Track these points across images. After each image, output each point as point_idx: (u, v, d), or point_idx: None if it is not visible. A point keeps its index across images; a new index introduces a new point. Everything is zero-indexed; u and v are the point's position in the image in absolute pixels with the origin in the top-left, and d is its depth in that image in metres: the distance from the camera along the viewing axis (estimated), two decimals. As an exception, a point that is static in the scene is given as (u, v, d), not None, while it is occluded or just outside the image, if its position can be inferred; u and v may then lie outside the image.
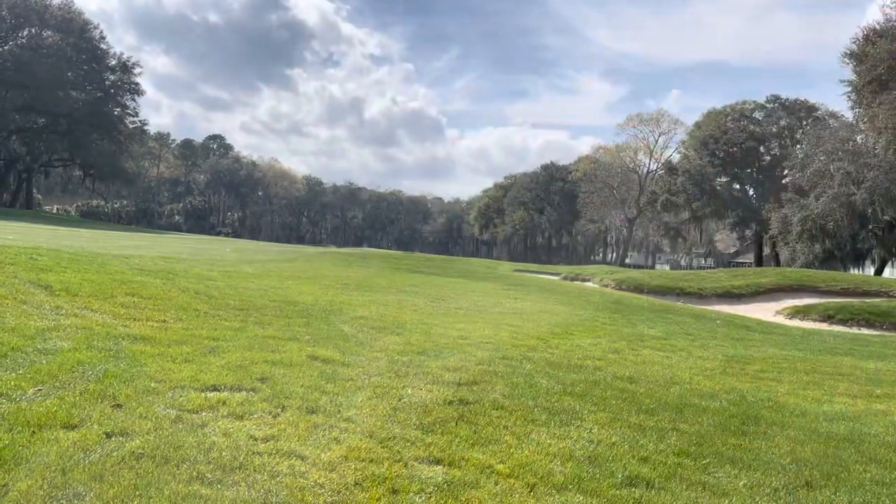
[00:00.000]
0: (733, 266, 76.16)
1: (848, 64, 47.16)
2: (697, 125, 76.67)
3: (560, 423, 5.80)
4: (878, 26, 45.32)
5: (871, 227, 45.28)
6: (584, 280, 31.35)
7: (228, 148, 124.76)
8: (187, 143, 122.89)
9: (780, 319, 20.97)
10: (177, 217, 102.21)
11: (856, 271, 49.35)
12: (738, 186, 73.36)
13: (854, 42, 46.53)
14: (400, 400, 5.95)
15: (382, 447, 4.74)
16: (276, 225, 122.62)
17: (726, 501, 4.47)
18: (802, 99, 69.94)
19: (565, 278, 31.97)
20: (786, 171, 63.22)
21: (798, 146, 64.08)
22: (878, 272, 49.09)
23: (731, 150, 68.23)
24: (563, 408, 6.28)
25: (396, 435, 5.02)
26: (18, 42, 71.32)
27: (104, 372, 5.71)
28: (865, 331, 19.26)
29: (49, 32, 72.14)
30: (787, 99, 70.38)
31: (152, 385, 5.56)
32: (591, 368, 8.42)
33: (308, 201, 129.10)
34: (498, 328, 11.24)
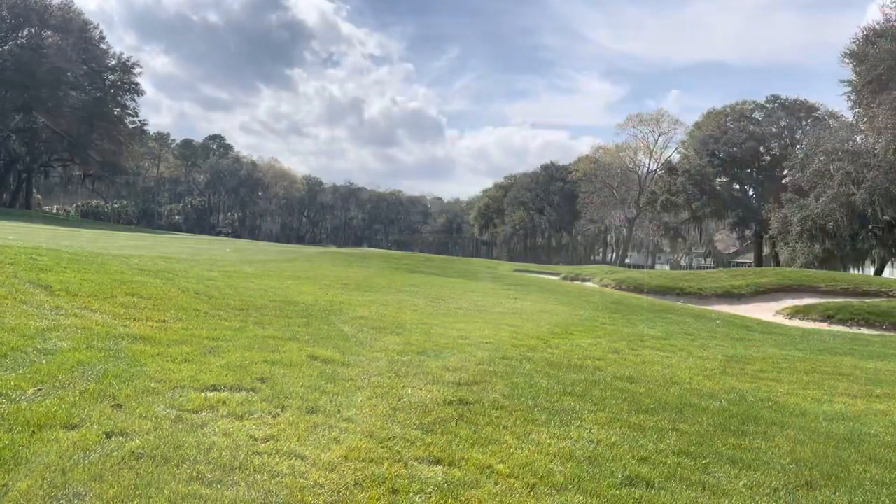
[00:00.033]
0: (733, 266, 76.16)
1: (848, 64, 47.21)
2: (697, 125, 76.72)
3: (560, 423, 5.80)
4: (877, 26, 45.36)
5: (870, 227, 45.26)
6: (583, 280, 31.35)
7: (228, 148, 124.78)
8: (187, 143, 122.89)
9: (780, 319, 20.97)
10: (177, 217, 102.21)
11: (856, 271, 49.34)
12: (737, 186, 73.37)
13: (854, 42, 46.59)
14: (400, 400, 5.95)
15: (382, 447, 4.74)
16: (275, 225, 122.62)
17: (726, 501, 4.47)
18: (802, 99, 70.01)
19: (565, 278, 31.97)
20: (786, 171, 63.22)
21: (798, 146, 64.08)
22: (878, 272, 49.11)
23: (730, 150, 68.23)
24: (563, 408, 6.28)
25: (396, 435, 5.02)
26: (18, 42, 71.31)
27: (104, 372, 5.71)
28: (865, 331, 19.26)
29: (49, 32, 72.11)
30: (787, 99, 70.40)
31: (152, 385, 5.56)
32: (591, 368, 8.42)
33: (308, 201, 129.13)
34: (498, 328, 11.24)
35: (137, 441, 4.36)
